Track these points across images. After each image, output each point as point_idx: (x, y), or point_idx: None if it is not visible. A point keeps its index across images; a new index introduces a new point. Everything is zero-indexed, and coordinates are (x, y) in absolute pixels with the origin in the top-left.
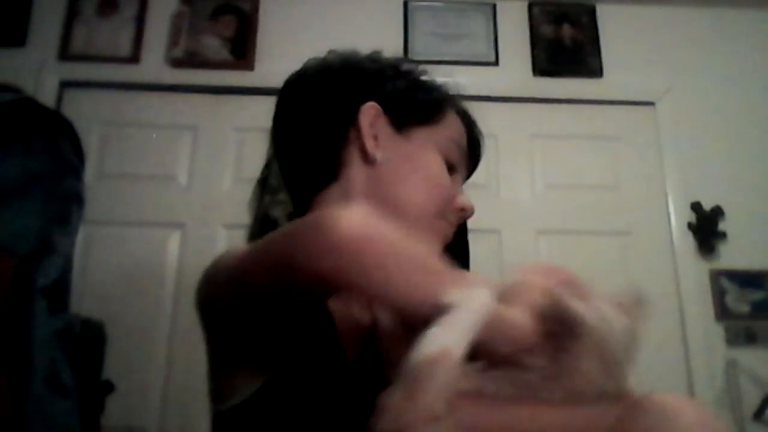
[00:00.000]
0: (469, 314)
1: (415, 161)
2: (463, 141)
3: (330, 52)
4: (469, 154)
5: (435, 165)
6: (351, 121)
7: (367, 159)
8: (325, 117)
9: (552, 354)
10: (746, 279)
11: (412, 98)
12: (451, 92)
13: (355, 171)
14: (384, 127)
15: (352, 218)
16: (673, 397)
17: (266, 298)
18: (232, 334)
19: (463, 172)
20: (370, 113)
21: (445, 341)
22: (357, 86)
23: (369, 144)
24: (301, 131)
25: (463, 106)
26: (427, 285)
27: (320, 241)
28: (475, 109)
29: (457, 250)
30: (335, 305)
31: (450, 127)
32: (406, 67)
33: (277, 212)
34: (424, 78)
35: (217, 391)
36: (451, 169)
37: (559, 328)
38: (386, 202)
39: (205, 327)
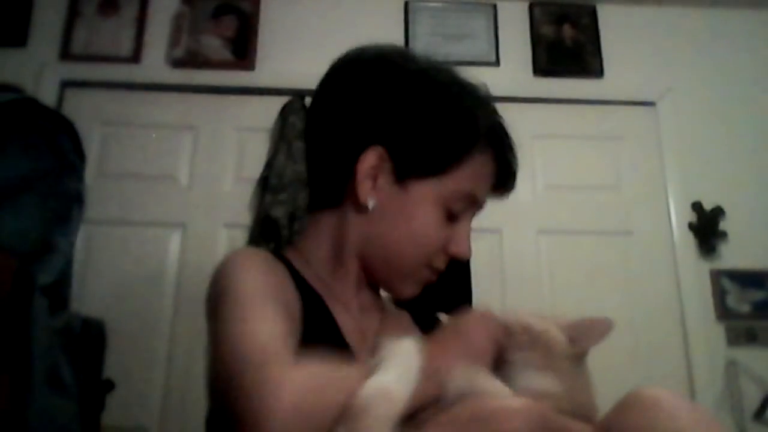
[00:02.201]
0: (403, 359)
1: (407, 215)
2: (479, 187)
3: (371, 50)
4: (498, 187)
5: (427, 221)
6: (356, 158)
7: (359, 203)
8: (338, 143)
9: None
10: (747, 279)
11: (421, 150)
12: (490, 128)
13: (351, 210)
14: (387, 173)
15: (287, 390)
16: (664, 390)
17: None
18: None
19: (472, 211)
20: (370, 160)
21: (382, 382)
22: (370, 124)
23: (362, 191)
24: (319, 143)
25: (500, 142)
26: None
27: (262, 415)
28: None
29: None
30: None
31: (462, 179)
32: (450, 92)
33: (278, 212)
34: (468, 104)
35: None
36: (452, 216)
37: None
38: (374, 249)
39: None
